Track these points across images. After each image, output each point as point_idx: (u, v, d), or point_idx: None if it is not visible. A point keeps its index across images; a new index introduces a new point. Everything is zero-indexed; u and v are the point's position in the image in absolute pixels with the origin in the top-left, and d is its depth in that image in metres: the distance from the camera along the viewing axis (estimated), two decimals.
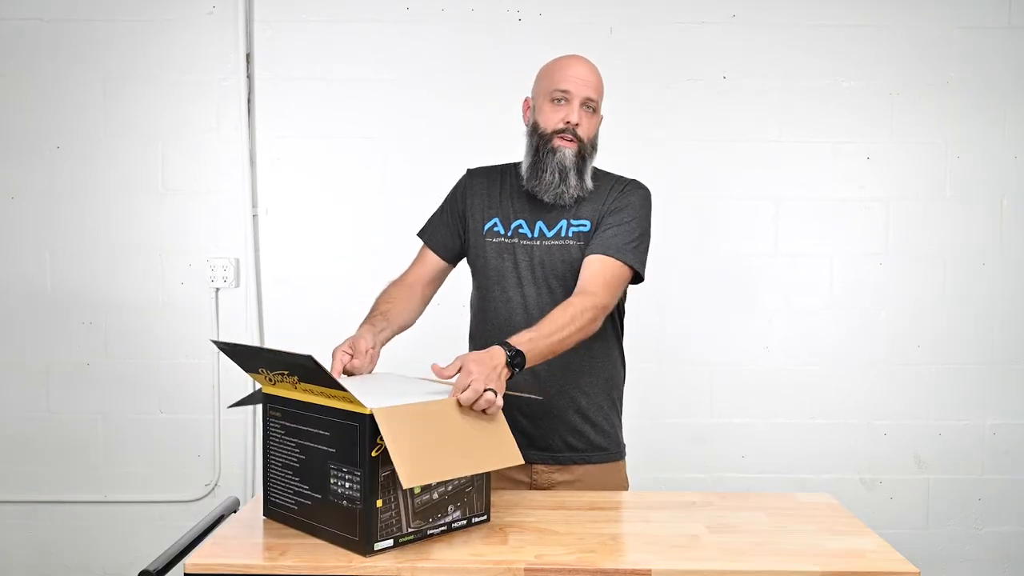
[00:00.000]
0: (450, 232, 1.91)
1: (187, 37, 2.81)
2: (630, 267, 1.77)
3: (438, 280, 1.95)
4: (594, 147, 1.83)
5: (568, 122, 1.77)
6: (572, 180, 1.78)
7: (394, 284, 1.91)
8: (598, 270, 1.74)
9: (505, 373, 1.51)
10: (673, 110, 2.83)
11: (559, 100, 1.78)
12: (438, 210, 1.96)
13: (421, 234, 1.96)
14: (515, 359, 1.54)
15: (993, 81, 2.84)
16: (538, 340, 1.59)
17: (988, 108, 2.84)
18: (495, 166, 1.94)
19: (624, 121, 2.81)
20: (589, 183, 1.81)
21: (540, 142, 1.79)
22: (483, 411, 1.44)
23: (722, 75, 2.83)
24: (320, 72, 2.82)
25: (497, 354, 1.52)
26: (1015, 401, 2.89)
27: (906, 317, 2.87)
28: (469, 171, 1.96)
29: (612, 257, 1.75)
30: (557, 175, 1.77)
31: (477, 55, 2.80)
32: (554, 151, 1.77)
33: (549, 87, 1.80)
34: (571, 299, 1.69)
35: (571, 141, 1.77)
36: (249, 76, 2.81)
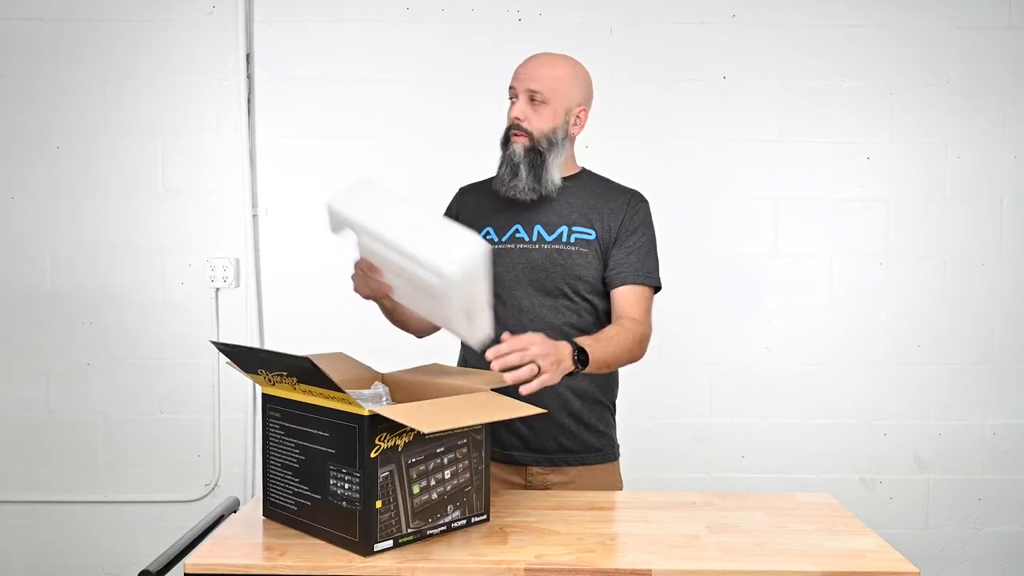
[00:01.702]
0: None
1: (187, 37, 2.81)
2: (655, 288, 1.84)
3: None
4: (551, 141, 1.79)
5: (514, 118, 1.79)
6: (523, 174, 1.77)
7: None
8: (638, 300, 1.78)
9: (566, 367, 1.53)
10: (673, 110, 2.83)
11: (511, 98, 1.82)
12: None
13: None
14: (580, 355, 1.56)
15: (993, 81, 2.84)
16: (596, 345, 1.62)
17: (988, 108, 2.84)
18: (489, 179, 1.93)
19: (624, 121, 2.82)
20: (556, 179, 1.80)
21: (503, 139, 1.83)
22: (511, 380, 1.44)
23: (722, 75, 2.83)
24: (320, 72, 2.82)
25: (563, 346, 1.53)
26: (1015, 401, 2.89)
27: (906, 317, 2.87)
28: (461, 189, 1.98)
29: (644, 285, 1.80)
30: (508, 170, 1.79)
31: (477, 55, 2.80)
32: (507, 146, 1.80)
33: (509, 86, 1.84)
34: (625, 323, 1.73)
35: (519, 136, 1.78)
36: (249, 76, 2.81)
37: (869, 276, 2.87)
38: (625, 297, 1.79)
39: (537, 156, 1.78)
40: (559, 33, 2.79)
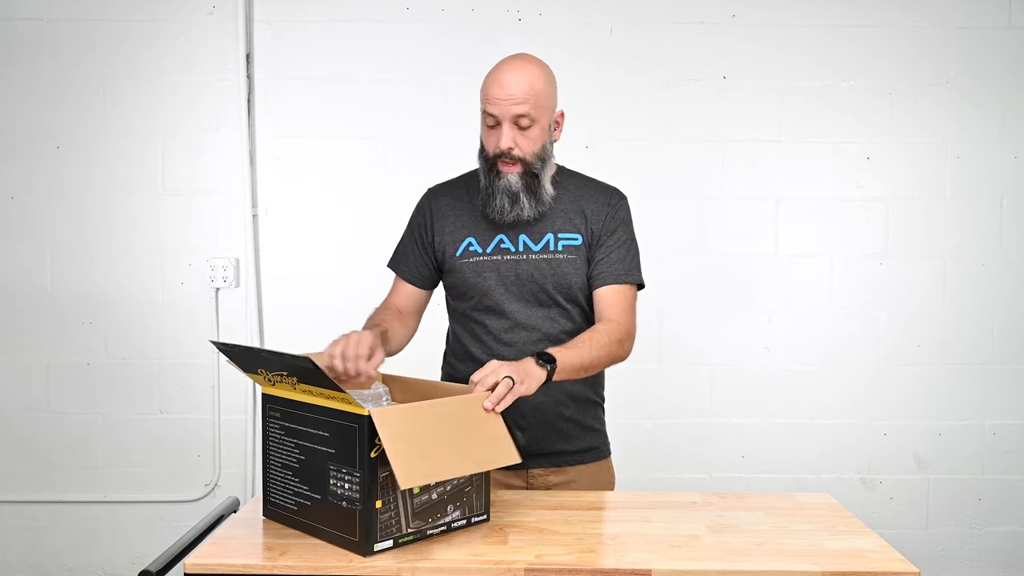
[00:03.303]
0: (422, 259, 1.85)
1: (187, 37, 2.81)
2: (638, 284, 1.81)
3: (420, 308, 1.90)
4: (543, 159, 1.74)
5: (499, 148, 1.70)
6: (524, 201, 1.72)
7: (381, 309, 1.86)
8: (617, 300, 1.76)
9: (537, 371, 1.53)
10: (673, 110, 2.83)
11: (491, 125, 1.72)
12: (404, 236, 1.89)
13: (391, 265, 1.90)
14: (543, 356, 1.56)
15: (993, 81, 2.84)
16: (565, 351, 1.61)
17: (988, 108, 2.84)
18: (458, 179, 1.88)
19: (624, 121, 2.82)
20: (549, 190, 1.75)
21: (486, 165, 1.74)
22: (493, 407, 1.44)
23: (722, 75, 2.83)
24: (320, 72, 2.82)
25: (525, 361, 1.55)
26: (1015, 401, 2.89)
27: (906, 317, 2.87)
28: (430, 190, 1.89)
29: (624, 283, 1.77)
30: (507, 200, 1.72)
31: (477, 55, 2.79)
32: (499, 175, 1.72)
33: (482, 106, 1.73)
34: (599, 326, 1.72)
35: (512, 163, 1.71)
36: (249, 76, 2.81)
37: (869, 276, 2.87)
38: (605, 298, 1.76)
39: (533, 179, 1.72)
40: (559, 33, 2.79)
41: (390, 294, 1.90)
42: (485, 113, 1.71)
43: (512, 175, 1.71)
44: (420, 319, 1.92)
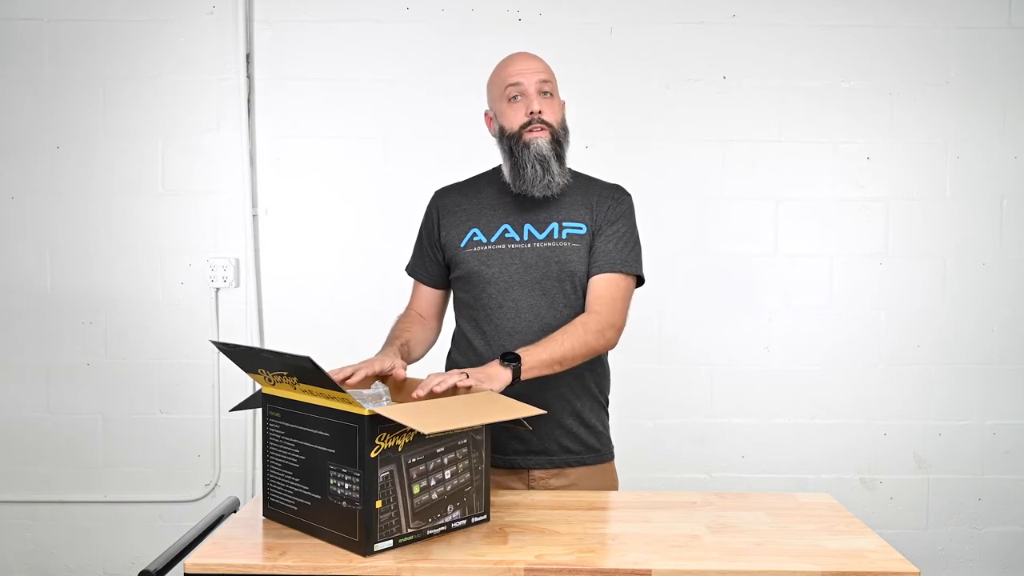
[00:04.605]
0: (433, 259, 1.89)
1: (187, 37, 2.81)
2: (635, 276, 1.81)
3: (441, 309, 1.96)
4: (565, 130, 1.81)
5: (531, 112, 1.75)
6: (554, 167, 1.75)
7: (403, 317, 1.91)
8: (605, 290, 1.76)
9: (500, 372, 1.57)
10: (673, 110, 2.83)
11: (515, 97, 1.77)
12: (416, 241, 1.94)
13: (408, 270, 1.96)
14: (508, 356, 1.59)
15: (993, 81, 2.84)
16: (532, 348, 1.64)
17: (988, 108, 2.84)
18: (466, 180, 1.92)
19: (624, 121, 2.82)
20: (566, 171, 1.79)
21: (512, 143, 1.77)
22: (433, 388, 1.49)
23: (722, 75, 2.83)
24: (320, 72, 2.82)
25: (488, 365, 1.60)
26: (1015, 401, 2.89)
27: (906, 317, 2.87)
28: (436, 192, 1.93)
29: (619, 272, 1.78)
30: (539, 167, 1.74)
31: (477, 55, 2.80)
32: (528, 145, 1.75)
33: (501, 89, 1.79)
34: (576, 320, 1.73)
35: (541, 130, 1.75)
36: (249, 76, 2.81)
37: (869, 276, 2.87)
38: (595, 288, 1.77)
39: (559, 147, 1.77)
40: (559, 33, 2.79)
41: (411, 299, 1.95)
42: (508, 88, 1.78)
43: (543, 139, 1.75)
44: (442, 320, 1.97)
